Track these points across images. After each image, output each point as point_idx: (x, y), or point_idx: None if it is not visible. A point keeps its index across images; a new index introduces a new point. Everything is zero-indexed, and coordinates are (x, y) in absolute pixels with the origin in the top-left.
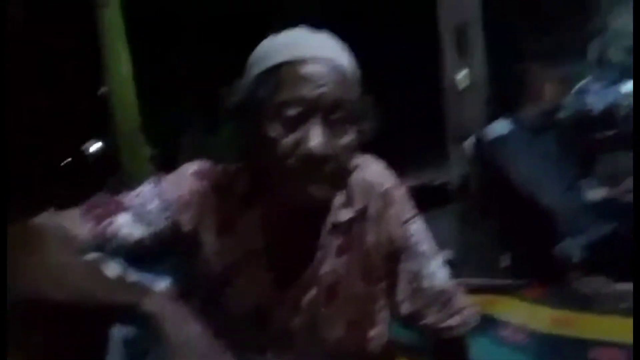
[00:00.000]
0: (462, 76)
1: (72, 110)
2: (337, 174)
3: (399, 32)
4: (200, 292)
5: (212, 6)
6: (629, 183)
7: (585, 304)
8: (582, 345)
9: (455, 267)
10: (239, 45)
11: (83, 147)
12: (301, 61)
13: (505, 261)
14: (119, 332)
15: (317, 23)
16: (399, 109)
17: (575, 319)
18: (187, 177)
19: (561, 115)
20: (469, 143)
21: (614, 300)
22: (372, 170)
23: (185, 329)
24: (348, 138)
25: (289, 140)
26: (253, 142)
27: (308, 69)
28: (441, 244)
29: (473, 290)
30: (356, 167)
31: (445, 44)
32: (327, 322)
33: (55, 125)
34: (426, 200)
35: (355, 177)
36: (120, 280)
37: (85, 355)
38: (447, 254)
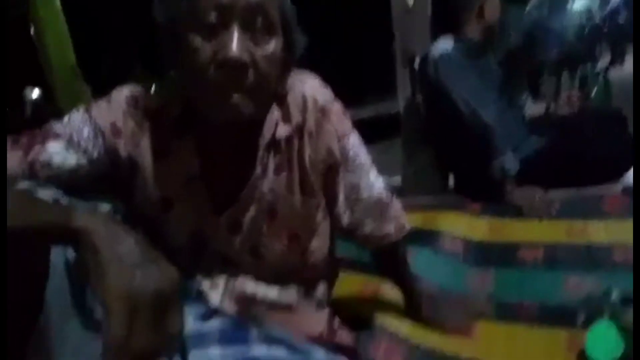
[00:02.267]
0: None
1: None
2: (261, 85)
3: None
4: (139, 220)
5: None
6: (565, 96)
7: (517, 213)
8: (511, 248)
9: (403, 191)
10: None
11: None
12: None
13: (451, 181)
14: (57, 256)
15: None
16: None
17: (508, 226)
18: (119, 102)
19: (507, 34)
20: (416, 65)
21: (544, 207)
22: (308, 86)
23: (117, 241)
24: (271, 47)
25: (208, 48)
26: (179, 57)
27: None
28: (391, 171)
29: (417, 208)
30: (292, 84)
31: None
32: (268, 239)
33: None
34: (380, 130)
35: (292, 94)
36: (52, 203)
37: (26, 284)
38: (395, 180)
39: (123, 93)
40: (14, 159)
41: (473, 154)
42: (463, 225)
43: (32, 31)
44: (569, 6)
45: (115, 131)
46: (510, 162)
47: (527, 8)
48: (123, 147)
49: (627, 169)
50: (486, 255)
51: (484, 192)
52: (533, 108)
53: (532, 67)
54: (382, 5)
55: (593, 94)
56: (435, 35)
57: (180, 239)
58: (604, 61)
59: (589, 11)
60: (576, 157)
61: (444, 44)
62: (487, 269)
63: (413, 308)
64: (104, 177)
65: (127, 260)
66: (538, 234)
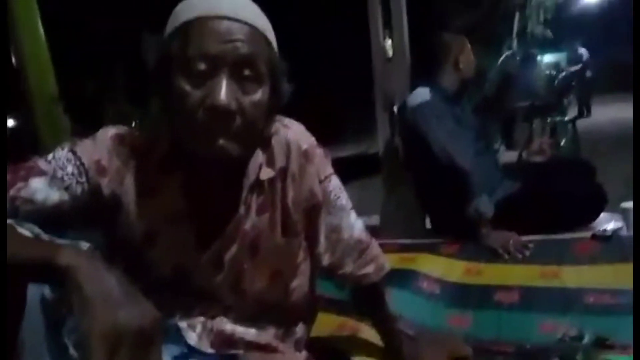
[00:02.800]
0: (387, 46)
1: None
2: (247, 130)
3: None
4: (122, 257)
5: None
6: (536, 144)
7: (493, 255)
8: (488, 290)
9: (382, 231)
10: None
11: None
12: (210, 17)
13: (429, 222)
14: (34, 293)
15: None
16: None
17: (484, 268)
18: (104, 140)
19: (484, 84)
20: (396, 111)
21: (519, 250)
22: (292, 132)
23: (99, 279)
24: (258, 96)
25: (197, 94)
26: (168, 99)
27: (216, 25)
28: (370, 210)
29: (396, 248)
30: (277, 129)
31: (371, 14)
32: (250, 276)
33: None
34: (360, 168)
35: (277, 138)
36: (34, 239)
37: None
38: (374, 219)
39: (109, 132)
40: None
41: (450, 196)
42: (440, 267)
43: (13, 59)
44: (539, 60)
45: (100, 169)
46: (485, 205)
47: (500, 60)
48: (107, 185)
49: (595, 216)
50: (464, 296)
51: (461, 233)
52: (506, 154)
53: (506, 115)
54: (363, 55)
55: (562, 142)
56: (413, 84)
57: (162, 275)
58: (572, 112)
59: (557, 65)
60: (548, 202)
61: (422, 93)
62: (465, 310)
63: (393, 348)
64: (87, 213)
65: (110, 298)
66: (513, 277)
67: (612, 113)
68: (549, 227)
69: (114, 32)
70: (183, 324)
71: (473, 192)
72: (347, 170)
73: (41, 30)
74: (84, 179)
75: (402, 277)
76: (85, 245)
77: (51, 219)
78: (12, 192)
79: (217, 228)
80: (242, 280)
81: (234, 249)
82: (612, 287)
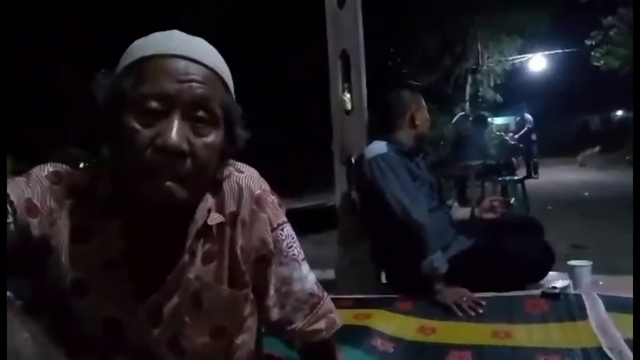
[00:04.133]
0: (346, 99)
1: None
2: (197, 174)
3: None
4: (48, 308)
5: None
6: (488, 202)
7: (446, 313)
8: (441, 350)
9: (336, 285)
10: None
11: None
12: (168, 56)
13: (383, 276)
14: None
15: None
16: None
17: (437, 326)
18: (39, 179)
19: (438, 142)
20: (352, 164)
21: (471, 307)
22: (245, 176)
23: (11, 334)
24: (210, 138)
25: (147, 133)
26: (116, 137)
27: (171, 64)
28: (326, 264)
29: (349, 304)
30: (230, 173)
31: (332, 68)
32: (190, 331)
33: None
34: (317, 221)
35: (228, 182)
36: None
37: None
38: (329, 273)
39: (45, 169)
40: None
41: (405, 250)
42: (394, 325)
43: None
44: (489, 122)
45: (30, 209)
46: (439, 260)
47: (454, 120)
48: (37, 226)
49: (545, 273)
50: (417, 356)
51: (415, 289)
52: (460, 211)
53: (459, 173)
54: (323, 107)
55: (512, 201)
56: (371, 138)
57: (93, 328)
58: (521, 173)
59: (507, 127)
60: (499, 259)
61: (379, 146)
62: None
63: None
64: (13, 256)
65: (19, 357)
66: (465, 336)
67: (554, 175)
68: (501, 285)
69: (69, 74)
70: None
71: (428, 246)
72: (304, 223)
73: None
74: (11, 219)
75: (355, 335)
76: (7, 294)
77: None
78: None
79: (157, 277)
80: (182, 336)
81: (174, 300)
82: (562, 347)
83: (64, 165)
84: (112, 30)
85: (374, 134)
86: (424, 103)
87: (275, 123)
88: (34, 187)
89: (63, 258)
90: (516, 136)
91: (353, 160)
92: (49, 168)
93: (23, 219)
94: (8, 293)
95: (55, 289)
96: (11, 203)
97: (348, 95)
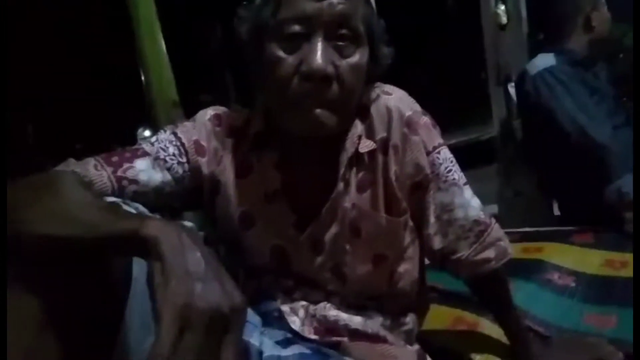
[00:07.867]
0: (499, 12)
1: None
2: (345, 98)
3: None
4: (222, 238)
5: None
6: None
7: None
8: (631, 285)
9: (500, 219)
10: None
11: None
12: None
13: (556, 209)
14: (140, 270)
15: None
16: (438, 56)
17: (629, 260)
18: (203, 121)
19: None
20: (512, 83)
21: None
22: (393, 99)
23: (184, 251)
24: (355, 59)
25: (291, 60)
26: (262, 70)
27: None
28: (487, 199)
29: (517, 237)
30: (377, 96)
31: None
32: (352, 259)
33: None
34: (473, 156)
35: (376, 106)
36: (131, 213)
37: (107, 299)
38: (491, 208)
39: (208, 113)
40: (104, 175)
41: (583, 178)
42: (574, 258)
43: (141, 73)
44: None
45: (199, 149)
46: (629, 185)
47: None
48: (206, 165)
49: None
50: (605, 292)
51: (597, 221)
52: None
53: None
54: (473, 23)
55: None
56: (533, 52)
57: (262, 258)
58: None
59: None
60: None
61: (545, 58)
62: (608, 307)
63: (522, 348)
64: (188, 195)
65: (191, 272)
66: None
67: None
68: None
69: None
70: (285, 308)
71: (613, 170)
72: (458, 160)
73: (163, 46)
74: (184, 159)
75: (526, 268)
76: (188, 224)
77: (155, 201)
78: (119, 172)
79: (315, 207)
80: (344, 264)
81: (333, 229)
82: None
83: (223, 108)
84: None
85: (537, 46)
86: (599, 1)
87: (415, 46)
88: (200, 130)
89: (231, 193)
90: None
91: (512, 82)
92: (210, 112)
93: (194, 159)
94: (190, 224)
95: (226, 223)
96: (182, 145)
97: (502, 7)
